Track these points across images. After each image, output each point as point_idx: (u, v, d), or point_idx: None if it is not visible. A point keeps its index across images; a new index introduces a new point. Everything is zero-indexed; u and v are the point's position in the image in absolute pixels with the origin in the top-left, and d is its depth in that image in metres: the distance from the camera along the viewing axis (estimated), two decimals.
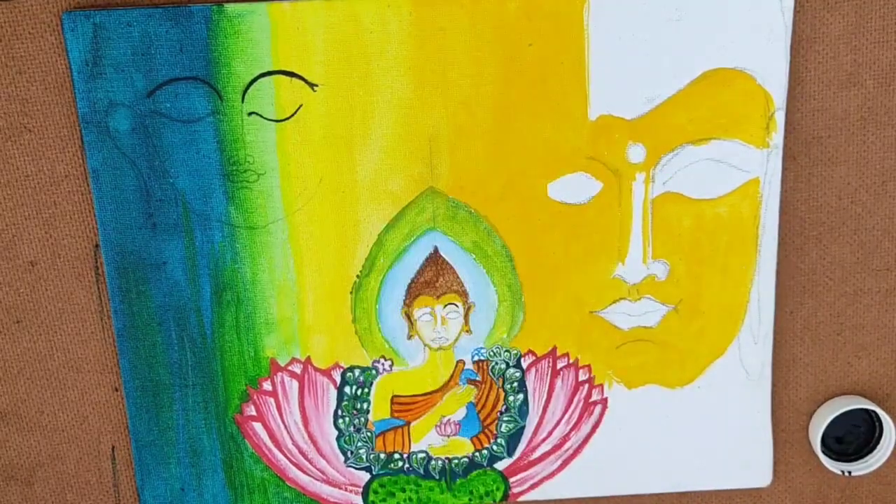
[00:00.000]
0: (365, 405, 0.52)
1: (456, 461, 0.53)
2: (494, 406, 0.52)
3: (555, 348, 0.52)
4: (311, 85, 0.47)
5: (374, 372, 0.51)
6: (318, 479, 0.53)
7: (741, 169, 0.49)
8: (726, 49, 0.48)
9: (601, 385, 0.52)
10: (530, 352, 0.52)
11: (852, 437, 0.55)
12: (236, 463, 0.52)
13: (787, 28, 0.47)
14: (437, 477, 0.53)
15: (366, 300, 0.50)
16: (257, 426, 0.52)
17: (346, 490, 0.53)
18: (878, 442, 0.54)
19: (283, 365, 0.51)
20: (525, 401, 0.52)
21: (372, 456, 0.53)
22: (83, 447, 0.53)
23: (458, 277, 0.50)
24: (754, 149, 0.49)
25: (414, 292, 0.50)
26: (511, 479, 0.53)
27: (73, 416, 0.52)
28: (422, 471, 0.53)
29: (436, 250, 0.50)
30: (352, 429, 0.52)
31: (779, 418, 0.54)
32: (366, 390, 0.51)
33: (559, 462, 0.53)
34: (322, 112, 0.47)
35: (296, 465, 0.52)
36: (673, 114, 0.48)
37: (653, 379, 0.52)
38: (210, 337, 0.50)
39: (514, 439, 0.53)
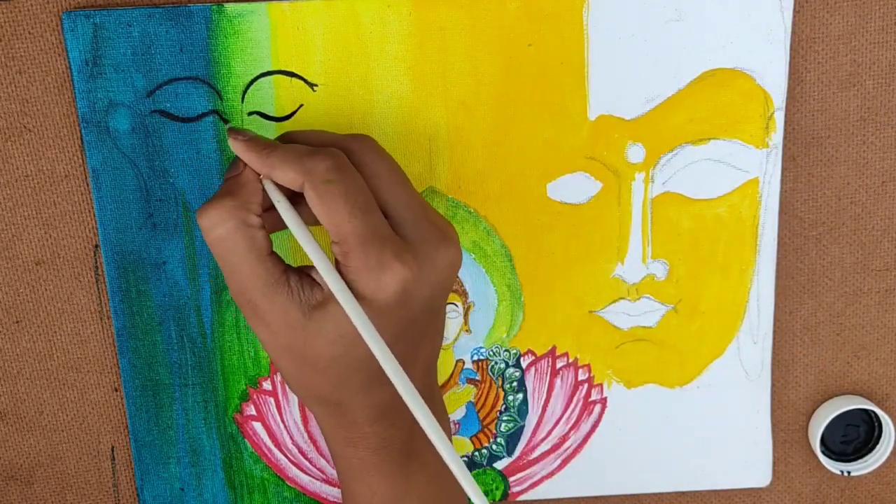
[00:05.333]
0: None
1: None
2: (494, 405, 0.52)
3: (554, 348, 0.52)
4: (311, 85, 0.47)
5: None
6: (317, 479, 0.53)
7: (741, 169, 0.49)
8: (726, 49, 0.48)
9: (600, 385, 0.52)
10: (530, 351, 0.52)
11: (852, 437, 0.55)
12: (236, 463, 0.52)
13: (786, 28, 0.47)
14: None
15: None
16: (257, 426, 0.52)
17: None
18: (877, 442, 0.54)
19: None
20: (524, 400, 0.52)
21: None
22: (83, 447, 0.53)
23: (457, 277, 0.50)
24: (754, 149, 0.49)
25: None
26: (510, 479, 0.53)
27: (73, 416, 0.52)
28: None
29: None
30: None
31: (778, 418, 0.54)
32: None
33: (558, 461, 0.53)
34: (322, 112, 0.47)
35: (296, 464, 0.52)
36: (672, 114, 0.48)
37: (652, 379, 0.52)
38: (210, 337, 0.50)
39: (513, 439, 0.53)
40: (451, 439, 0.48)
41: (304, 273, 0.41)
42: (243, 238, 0.40)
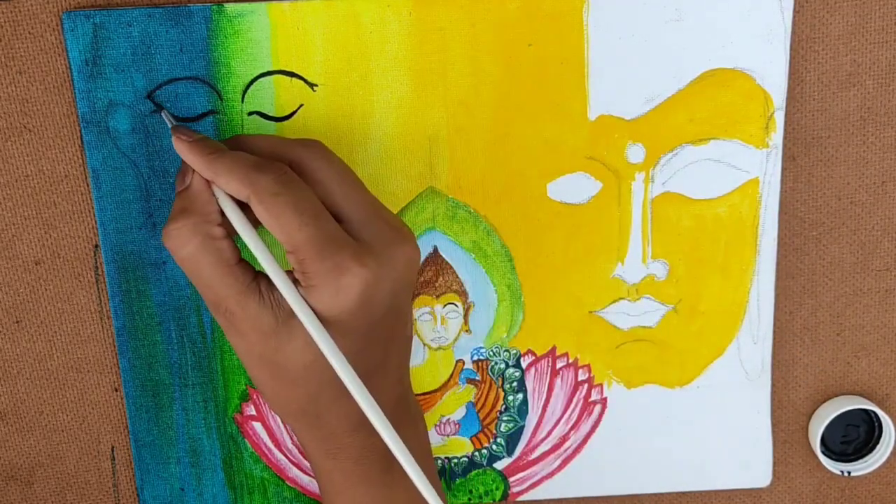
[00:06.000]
0: None
1: (455, 461, 0.53)
2: (494, 406, 0.52)
3: (554, 348, 0.52)
4: (311, 85, 0.47)
5: None
6: None
7: (741, 169, 0.49)
8: (726, 49, 0.48)
9: (600, 385, 0.52)
10: (530, 351, 0.52)
11: (852, 438, 0.55)
12: (236, 463, 0.52)
13: (786, 28, 0.47)
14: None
15: None
16: (257, 426, 0.52)
17: None
18: (877, 442, 0.54)
19: None
20: (524, 400, 0.52)
21: None
22: (83, 447, 0.53)
23: (457, 277, 0.50)
24: (754, 149, 0.49)
25: (413, 292, 0.50)
26: (510, 479, 0.53)
27: (73, 416, 0.52)
28: None
29: (435, 250, 0.50)
30: None
31: (778, 418, 0.54)
32: None
33: (558, 461, 0.53)
34: (322, 112, 0.47)
35: (296, 464, 0.52)
36: (672, 114, 0.48)
37: (652, 379, 0.52)
38: (210, 337, 0.50)
39: (513, 439, 0.53)
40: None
41: None
42: (210, 253, 0.40)
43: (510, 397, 0.52)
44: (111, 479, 0.53)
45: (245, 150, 0.43)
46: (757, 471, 0.54)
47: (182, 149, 0.42)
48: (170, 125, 0.44)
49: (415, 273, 0.43)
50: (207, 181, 0.41)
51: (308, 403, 0.42)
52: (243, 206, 0.41)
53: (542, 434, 0.53)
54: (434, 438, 0.53)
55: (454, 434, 0.53)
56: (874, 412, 0.54)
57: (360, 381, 0.39)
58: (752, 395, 0.53)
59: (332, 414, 0.42)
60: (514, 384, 0.52)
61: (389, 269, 0.41)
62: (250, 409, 0.51)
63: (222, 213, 0.41)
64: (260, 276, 0.41)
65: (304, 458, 0.52)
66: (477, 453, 0.53)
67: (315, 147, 0.43)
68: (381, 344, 0.42)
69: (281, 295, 0.40)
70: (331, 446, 0.43)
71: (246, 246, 0.41)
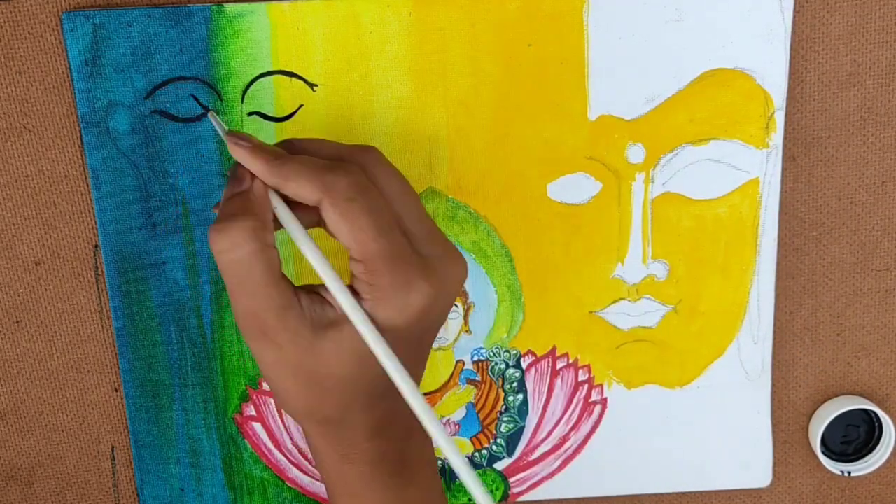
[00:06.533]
0: None
1: None
2: (494, 406, 0.52)
3: (554, 348, 0.52)
4: (311, 85, 0.47)
5: None
6: (318, 479, 0.53)
7: (741, 169, 0.49)
8: (726, 49, 0.48)
9: (601, 385, 0.52)
10: (530, 352, 0.52)
11: (852, 438, 0.55)
12: (236, 463, 0.52)
13: (786, 28, 0.47)
14: None
15: None
16: (257, 426, 0.52)
17: None
18: (877, 442, 0.54)
19: None
20: (524, 401, 0.52)
21: None
22: (83, 447, 0.53)
23: None
24: (754, 149, 0.49)
25: None
26: (511, 479, 0.53)
27: (73, 416, 0.52)
28: None
29: None
30: None
31: (778, 418, 0.54)
32: None
33: (559, 462, 0.53)
34: (322, 112, 0.47)
35: (296, 465, 0.52)
36: (673, 114, 0.48)
37: (652, 379, 0.52)
38: (210, 337, 0.50)
39: (513, 439, 0.53)
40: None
41: (314, 292, 0.40)
42: (262, 261, 0.38)
43: (510, 398, 0.52)
44: (111, 479, 0.53)
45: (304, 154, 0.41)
46: (757, 471, 0.54)
47: (243, 155, 0.39)
48: (222, 131, 0.41)
49: (460, 291, 0.42)
50: (266, 189, 0.39)
51: (336, 411, 0.41)
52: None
53: (542, 434, 0.53)
54: None
55: (454, 435, 0.53)
56: (874, 412, 0.54)
57: (420, 395, 0.38)
58: (752, 396, 0.53)
59: (357, 421, 0.42)
60: (515, 385, 0.52)
61: (448, 287, 0.40)
62: (250, 410, 0.51)
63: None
64: (299, 291, 0.40)
65: (306, 459, 0.52)
66: (477, 454, 0.53)
67: (376, 154, 0.41)
68: (421, 358, 0.42)
69: (321, 309, 0.39)
70: (349, 451, 0.43)
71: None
